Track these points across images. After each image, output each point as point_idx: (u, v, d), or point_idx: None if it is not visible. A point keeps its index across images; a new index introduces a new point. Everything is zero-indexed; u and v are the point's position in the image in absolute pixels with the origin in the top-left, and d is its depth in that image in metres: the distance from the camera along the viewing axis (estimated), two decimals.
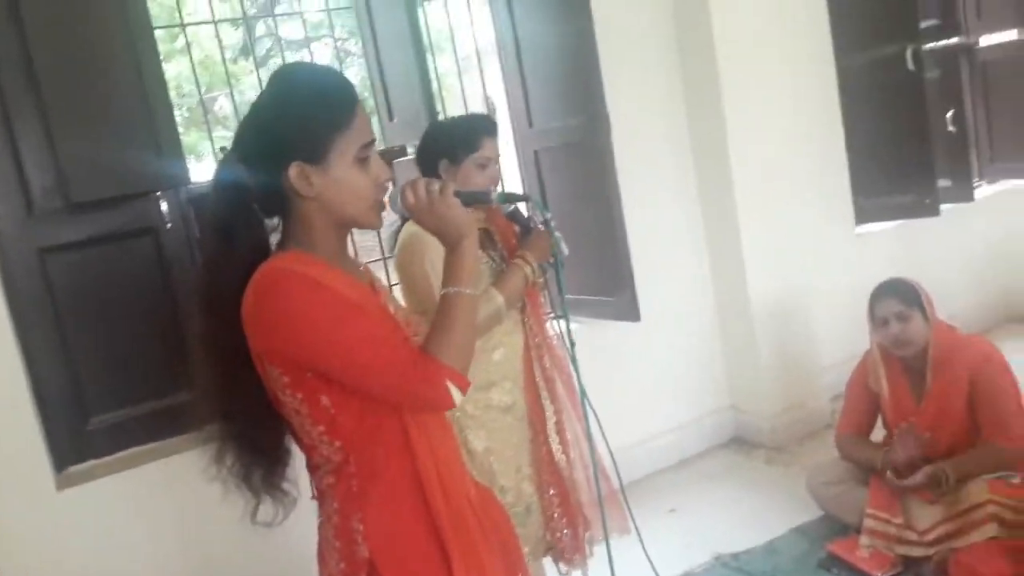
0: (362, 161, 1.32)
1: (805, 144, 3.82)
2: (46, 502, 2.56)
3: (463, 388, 1.30)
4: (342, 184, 1.31)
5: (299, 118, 1.28)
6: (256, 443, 1.36)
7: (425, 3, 3.95)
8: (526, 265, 2.09)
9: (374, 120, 3.24)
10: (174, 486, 2.73)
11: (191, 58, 4.95)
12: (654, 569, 2.13)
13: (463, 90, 4.27)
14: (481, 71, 4.45)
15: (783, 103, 3.66)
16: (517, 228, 2.21)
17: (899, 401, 2.69)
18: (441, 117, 3.13)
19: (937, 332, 2.62)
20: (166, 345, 2.86)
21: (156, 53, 2.82)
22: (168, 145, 2.81)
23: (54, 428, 2.66)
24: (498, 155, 2.18)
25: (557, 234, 2.08)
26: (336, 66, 4.52)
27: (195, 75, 4.96)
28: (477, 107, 5.17)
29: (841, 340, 3.88)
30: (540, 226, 2.13)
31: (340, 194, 1.31)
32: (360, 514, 1.32)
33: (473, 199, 1.39)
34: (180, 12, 4.02)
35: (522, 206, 2.20)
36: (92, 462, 2.75)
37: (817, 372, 3.81)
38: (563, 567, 2.30)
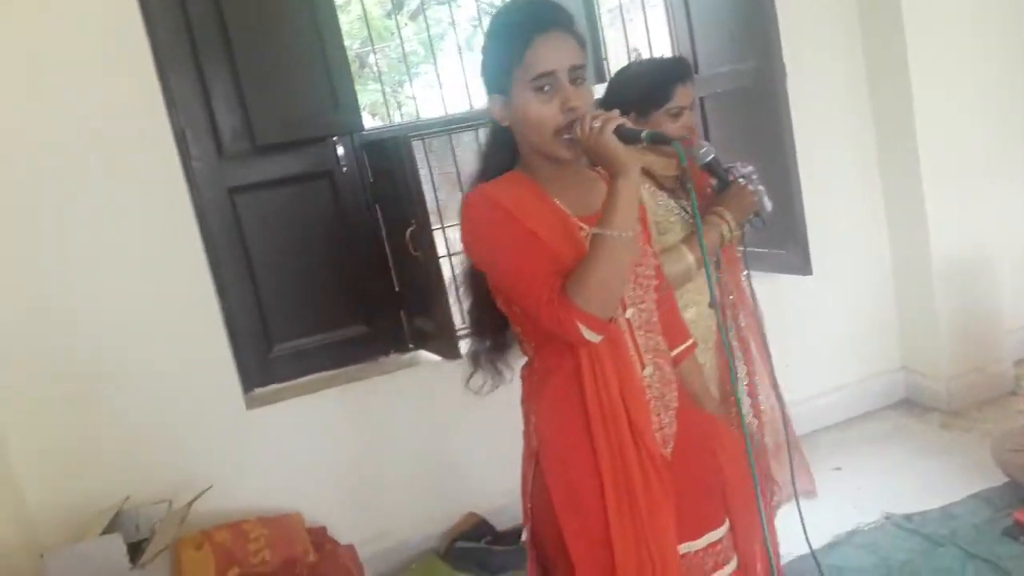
0: (538, 91, 1.36)
1: (995, 100, 3.50)
2: (237, 420, 2.78)
3: (596, 329, 1.32)
4: (520, 113, 1.39)
5: (486, 54, 1.44)
6: (481, 325, 1.59)
7: None
8: (722, 223, 1.98)
9: None
10: (349, 410, 2.90)
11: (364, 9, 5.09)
12: (805, 531, 2.03)
13: (604, 42, 4.16)
14: (624, 23, 4.32)
15: (973, 57, 3.35)
16: (714, 181, 2.03)
17: None
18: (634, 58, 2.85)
19: None
20: (342, 280, 3.04)
21: (333, 7, 2.93)
22: (343, 94, 2.95)
23: (242, 354, 2.88)
24: (692, 101, 2.02)
25: (760, 188, 1.99)
26: (478, 19, 4.54)
27: (368, 28, 5.09)
28: (621, 59, 5.03)
29: None
30: (740, 180, 2.01)
31: (522, 123, 1.40)
32: (536, 407, 1.48)
33: (626, 137, 1.34)
34: None
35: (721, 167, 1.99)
36: (275, 386, 2.97)
37: (1001, 335, 3.54)
38: None
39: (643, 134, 1.34)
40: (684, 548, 1.47)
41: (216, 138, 2.86)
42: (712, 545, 1.52)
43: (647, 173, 2.01)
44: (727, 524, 1.54)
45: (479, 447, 2.97)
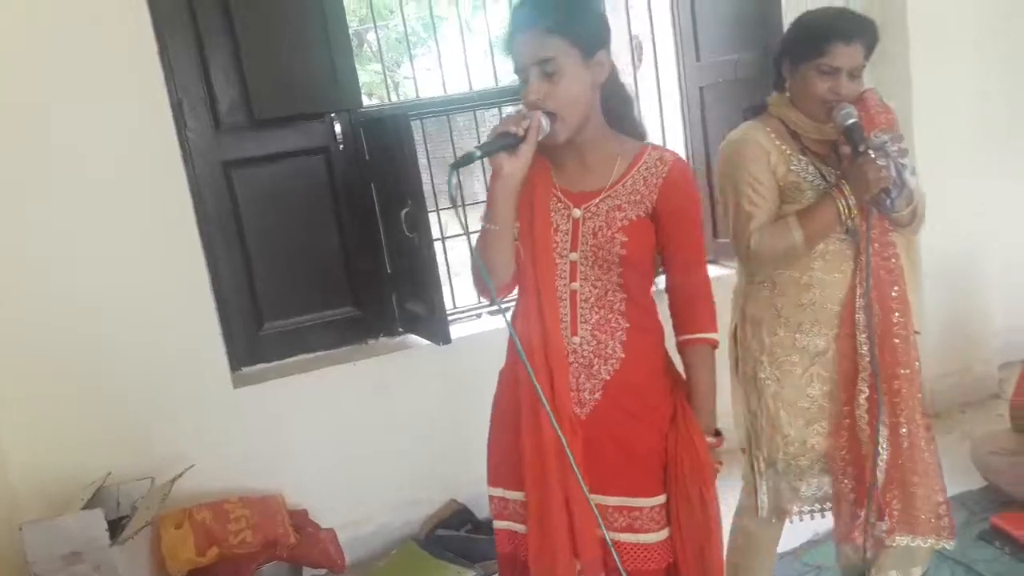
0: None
1: (986, 101, 3.49)
2: (224, 399, 2.75)
3: (486, 296, 1.70)
4: None
5: None
6: None
7: None
8: (840, 198, 1.80)
9: None
10: (335, 393, 2.88)
11: None
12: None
13: (628, 15, 4.11)
14: (627, 8, 4.27)
15: (968, 58, 3.35)
16: (848, 149, 1.81)
17: None
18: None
19: None
20: (335, 259, 3.01)
21: None
22: (343, 70, 2.90)
23: (232, 332, 2.85)
24: (855, 66, 1.81)
25: (900, 162, 1.77)
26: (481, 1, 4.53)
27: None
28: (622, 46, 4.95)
29: (1017, 306, 3.63)
30: (869, 152, 1.76)
31: None
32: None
33: (502, 146, 1.50)
34: None
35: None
36: (263, 365, 2.94)
37: (987, 337, 3.57)
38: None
39: (477, 154, 1.48)
40: (596, 498, 1.60)
41: (213, 110, 2.81)
42: (628, 508, 1.64)
43: (793, 135, 1.90)
44: (661, 497, 1.64)
45: (464, 434, 2.91)
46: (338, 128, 2.94)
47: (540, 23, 1.50)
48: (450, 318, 2.97)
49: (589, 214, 1.59)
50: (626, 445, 1.63)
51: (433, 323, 2.86)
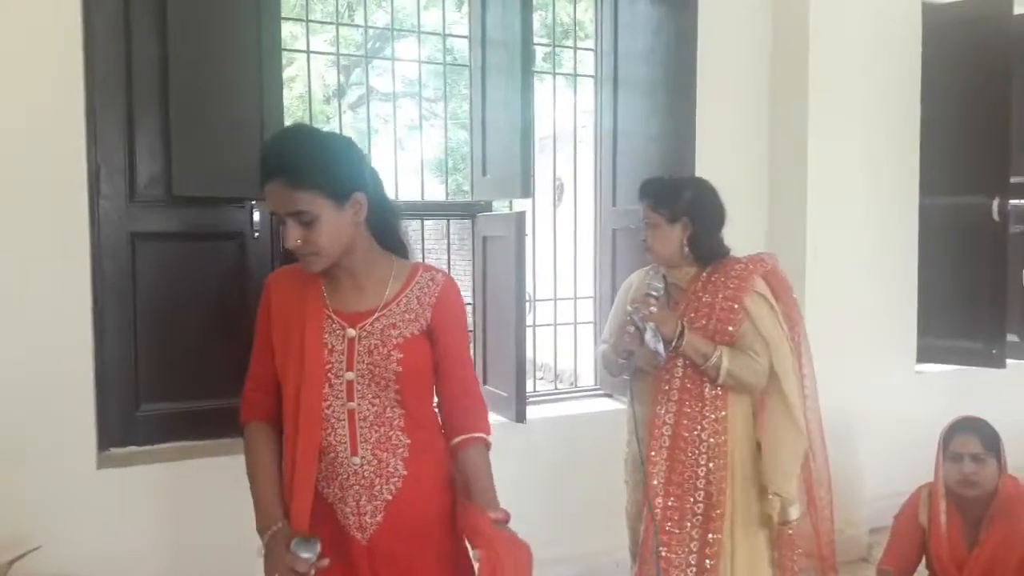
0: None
1: (879, 272, 3.82)
2: (85, 480, 2.57)
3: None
4: None
5: None
6: None
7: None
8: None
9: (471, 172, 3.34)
10: (204, 487, 2.74)
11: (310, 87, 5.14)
12: None
13: (555, 164, 4.35)
14: (554, 152, 4.53)
15: (865, 227, 3.68)
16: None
17: (952, 545, 2.60)
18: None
19: (1006, 483, 2.55)
20: (229, 349, 2.91)
21: (280, 78, 2.94)
22: None
23: (106, 408, 2.70)
24: (648, 221, 2.32)
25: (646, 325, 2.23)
26: (417, 122, 4.69)
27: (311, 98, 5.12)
28: (546, 185, 5.20)
29: (886, 474, 3.80)
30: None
31: None
32: None
33: None
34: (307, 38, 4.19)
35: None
36: (133, 448, 2.77)
37: (858, 502, 3.72)
38: None
39: None
40: None
41: (131, 180, 2.77)
42: None
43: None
44: None
45: None
46: (257, 216, 2.94)
47: (288, 179, 1.54)
48: None
49: (364, 333, 1.65)
50: (410, 568, 1.66)
51: None
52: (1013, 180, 4.00)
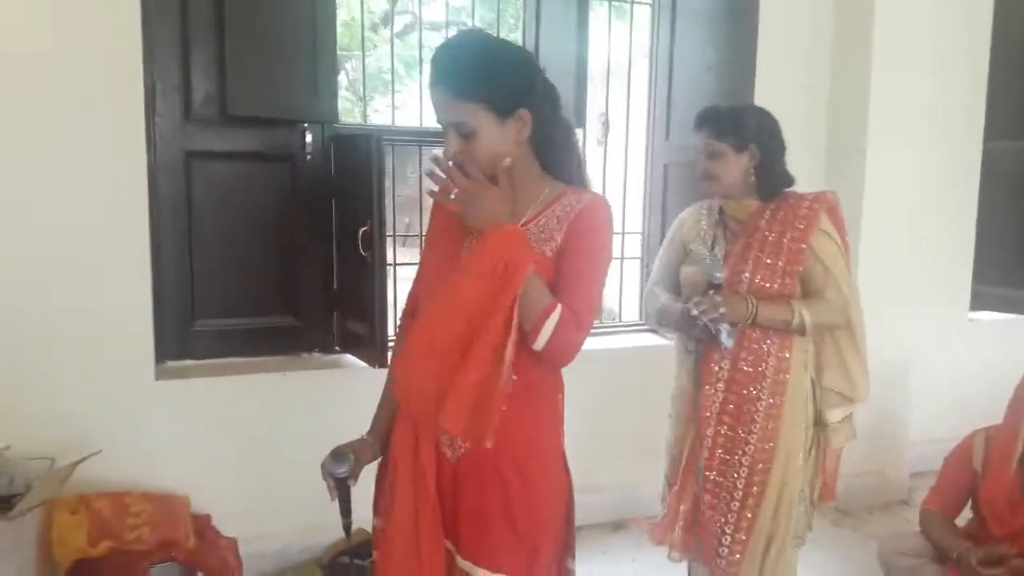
0: None
1: (936, 216, 3.72)
2: (143, 389, 2.66)
3: None
4: None
5: None
6: None
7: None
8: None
9: None
10: (259, 402, 2.82)
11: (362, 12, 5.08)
12: None
13: (608, 93, 4.25)
14: (608, 84, 4.42)
15: (925, 169, 3.57)
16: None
17: (1000, 485, 2.57)
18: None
19: None
20: (280, 269, 2.97)
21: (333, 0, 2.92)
22: (325, 83, 2.92)
23: (164, 323, 2.77)
24: (712, 151, 2.20)
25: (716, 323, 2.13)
26: None
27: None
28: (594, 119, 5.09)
29: (933, 420, 3.77)
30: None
31: None
32: None
33: None
34: None
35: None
36: (190, 361, 2.85)
37: (903, 444, 3.69)
38: None
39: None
40: (460, 563, 1.60)
41: (186, 98, 2.78)
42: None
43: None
44: None
45: None
46: (309, 139, 2.94)
47: (450, 88, 1.48)
48: (391, 343, 2.95)
49: None
50: (484, 501, 1.57)
51: (373, 346, 2.83)
52: None
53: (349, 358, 3.01)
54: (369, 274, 2.75)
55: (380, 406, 1.75)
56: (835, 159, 3.57)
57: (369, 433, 1.72)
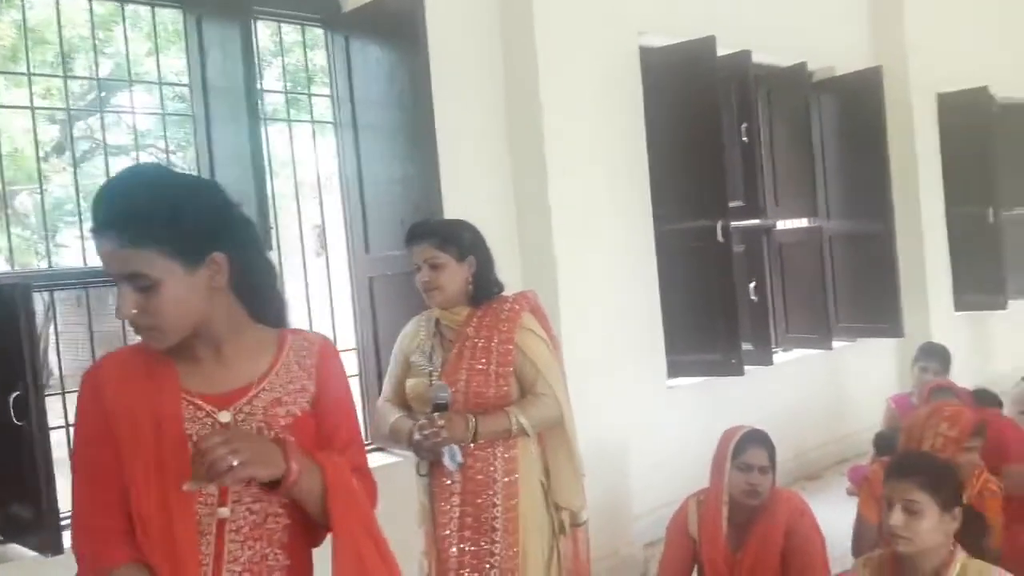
0: None
1: (627, 297, 4.01)
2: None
3: None
4: None
5: None
6: None
7: (268, 124, 3.89)
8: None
9: None
10: None
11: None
12: None
13: (300, 213, 4.16)
14: (297, 200, 4.33)
15: (610, 255, 3.87)
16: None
17: (716, 548, 2.73)
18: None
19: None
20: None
21: None
22: None
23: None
24: (427, 259, 2.29)
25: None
26: None
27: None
28: (309, 231, 5.04)
29: (653, 488, 3.98)
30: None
31: None
32: None
33: None
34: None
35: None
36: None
37: (630, 520, 3.84)
38: None
39: None
40: None
41: None
42: None
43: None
44: None
45: None
46: None
47: (120, 235, 1.23)
48: (64, 523, 2.52)
49: (242, 415, 1.33)
50: None
51: (43, 530, 2.39)
52: (731, 204, 4.42)
53: (15, 548, 2.51)
54: (28, 446, 2.34)
55: None
56: (528, 256, 3.75)
57: None
